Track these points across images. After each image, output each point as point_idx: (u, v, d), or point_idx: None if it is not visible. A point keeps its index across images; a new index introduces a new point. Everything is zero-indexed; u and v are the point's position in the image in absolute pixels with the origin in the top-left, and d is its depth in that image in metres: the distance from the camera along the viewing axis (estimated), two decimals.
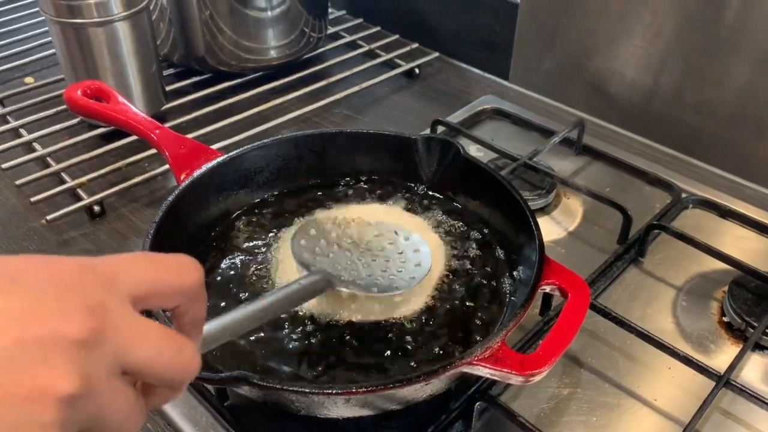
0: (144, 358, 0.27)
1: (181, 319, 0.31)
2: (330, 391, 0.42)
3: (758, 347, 0.58)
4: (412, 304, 0.55)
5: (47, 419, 0.24)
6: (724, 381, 0.52)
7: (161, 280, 0.29)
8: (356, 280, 0.52)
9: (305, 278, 0.49)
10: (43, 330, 0.25)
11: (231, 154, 0.63)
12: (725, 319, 0.60)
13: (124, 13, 0.77)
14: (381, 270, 0.54)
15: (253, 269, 0.58)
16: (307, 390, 0.42)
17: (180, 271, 0.30)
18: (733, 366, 0.53)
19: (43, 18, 0.78)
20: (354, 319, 0.53)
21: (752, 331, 0.57)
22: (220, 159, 0.62)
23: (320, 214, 0.60)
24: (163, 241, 0.55)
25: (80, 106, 0.65)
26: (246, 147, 0.64)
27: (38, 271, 0.26)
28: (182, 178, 0.59)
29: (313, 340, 0.52)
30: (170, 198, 0.56)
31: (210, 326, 0.36)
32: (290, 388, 0.41)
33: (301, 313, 0.54)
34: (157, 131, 0.63)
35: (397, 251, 0.56)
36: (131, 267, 0.29)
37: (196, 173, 0.60)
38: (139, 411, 0.29)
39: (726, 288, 0.62)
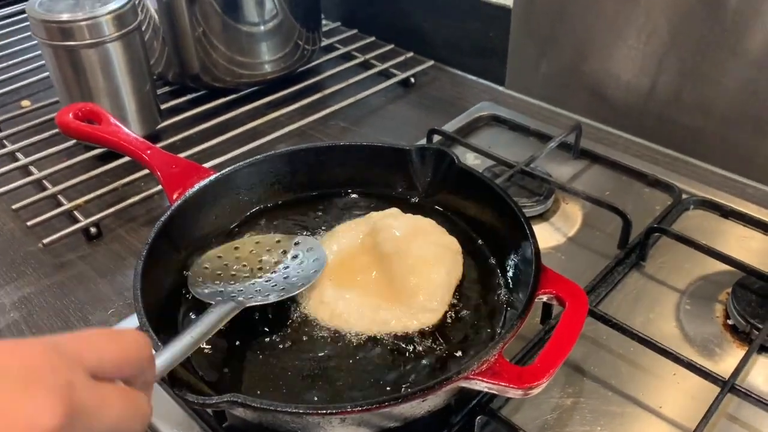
0: (110, 423, 0.30)
1: (134, 382, 0.34)
2: (324, 411, 0.41)
3: (764, 350, 0.57)
4: (430, 314, 0.55)
5: None
6: (729, 386, 0.51)
7: (120, 357, 0.33)
8: (263, 293, 0.54)
9: (215, 307, 0.49)
10: (17, 423, 0.26)
11: (223, 171, 0.62)
12: (730, 321, 0.59)
13: (116, 34, 0.77)
14: (283, 278, 0.56)
15: None
16: (301, 410, 0.41)
17: (137, 347, 0.34)
18: (738, 370, 0.52)
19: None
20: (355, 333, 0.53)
21: (757, 333, 0.56)
22: (212, 177, 0.61)
23: (208, 252, 0.59)
24: (158, 261, 0.54)
25: (72, 129, 0.65)
26: (238, 164, 0.64)
27: (4, 358, 0.28)
28: (175, 197, 0.59)
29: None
30: (162, 219, 0.56)
31: (159, 361, 0.40)
32: (283, 409, 0.41)
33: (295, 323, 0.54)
34: (149, 151, 0.63)
35: (292, 256, 0.58)
36: (94, 345, 0.32)
37: (189, 192, 0.59)
38: None
39: (730, 290, 0.61)
